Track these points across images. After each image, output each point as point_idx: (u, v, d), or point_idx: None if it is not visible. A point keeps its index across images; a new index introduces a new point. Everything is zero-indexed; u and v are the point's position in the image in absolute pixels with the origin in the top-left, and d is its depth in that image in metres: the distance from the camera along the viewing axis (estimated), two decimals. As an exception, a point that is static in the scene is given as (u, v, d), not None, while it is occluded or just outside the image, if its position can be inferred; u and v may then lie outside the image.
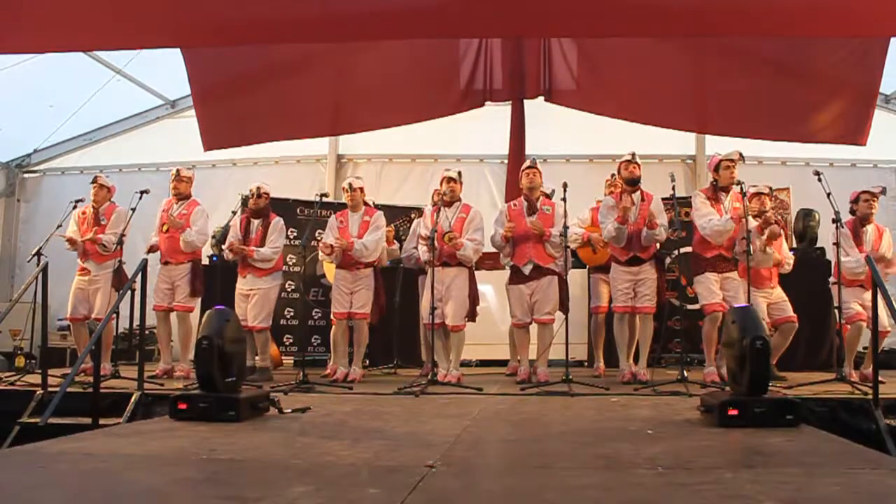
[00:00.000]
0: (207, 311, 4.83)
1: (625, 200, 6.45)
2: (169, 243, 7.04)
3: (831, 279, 6.48)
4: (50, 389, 5.51)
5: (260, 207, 7.03)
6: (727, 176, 6.34)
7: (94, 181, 7.23)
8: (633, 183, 6.60)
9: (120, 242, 6.77)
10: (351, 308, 6.84)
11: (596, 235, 7.04)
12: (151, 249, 7.05)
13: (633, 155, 6.67)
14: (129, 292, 5.88)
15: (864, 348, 6.82)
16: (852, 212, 6.65)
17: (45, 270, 6.17)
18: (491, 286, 8.34)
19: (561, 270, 6.60)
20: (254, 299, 6.89)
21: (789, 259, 6.79)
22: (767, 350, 4.18)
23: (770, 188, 6.77)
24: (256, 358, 6.99)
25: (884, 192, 6.69)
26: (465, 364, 7.47)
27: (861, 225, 6.59)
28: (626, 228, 6.42)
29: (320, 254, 7.06)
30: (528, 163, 6.85)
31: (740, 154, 6.43)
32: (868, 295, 6.07)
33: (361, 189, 7.08)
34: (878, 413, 4.71)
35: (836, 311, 6.42)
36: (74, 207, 7.18)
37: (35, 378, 6.06)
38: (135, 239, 7.30)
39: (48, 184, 10.67)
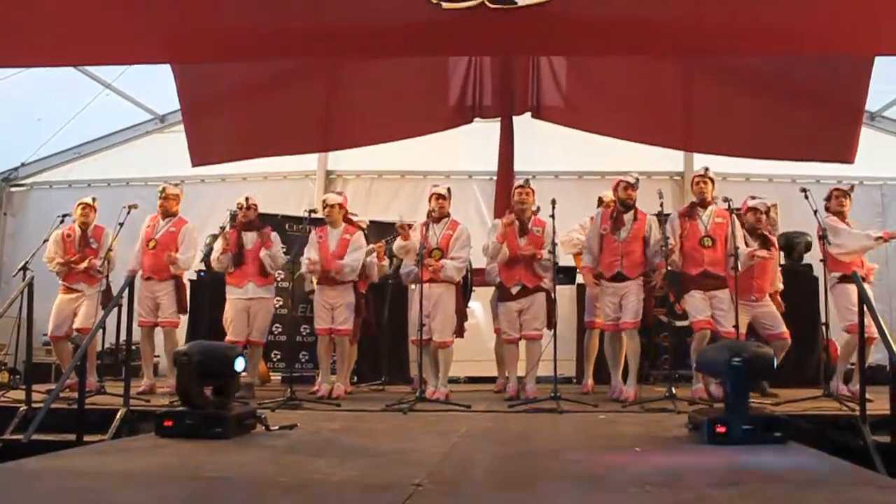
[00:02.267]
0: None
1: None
2: (153, 260, 7.00)
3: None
4: (34, 405, 5.46)
5: (250, 219, 7.02)
6: (697, 191, 6.53)
7: (90, 203, 7.14)
8: (628, 206, 6.64)
9: (106, 258, 6.73)
10: (332, 324, 6.83)
11: None
12: (132, 272, 6.96)
13: (638, 180, 6.70)
14: (115, 307, 5.85)
15: (852, 364, 6.85)
16: (827, 208, 6.67)
17: (30, 285, 6.13)
18: (479, 303, 8.32)
19: (548, 287, 6.60)
20: (258, 312, 6.92)
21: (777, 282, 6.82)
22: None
23: (767, 206, 6.82)
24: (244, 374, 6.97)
25: (851, 189, 6.72)
26: (453, 381, 7.43)
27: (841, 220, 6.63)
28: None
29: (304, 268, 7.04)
30: (519, 182, 6.86)
31: (706, 168, 6.59)
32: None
33: (340, 205, 7.06)
34: (866, 429, 4.72)
35: (823, 327, 6.45)
36: (62, 222, 7.11)
37: (19, 394, 6.02)
38: (122, 253, 7.25)
39: (35, 198, 10.59)
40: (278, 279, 8.15)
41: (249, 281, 6.91)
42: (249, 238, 6.98)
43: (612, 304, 6.57)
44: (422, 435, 4.62)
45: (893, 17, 5.19)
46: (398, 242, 6.73)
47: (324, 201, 7.08)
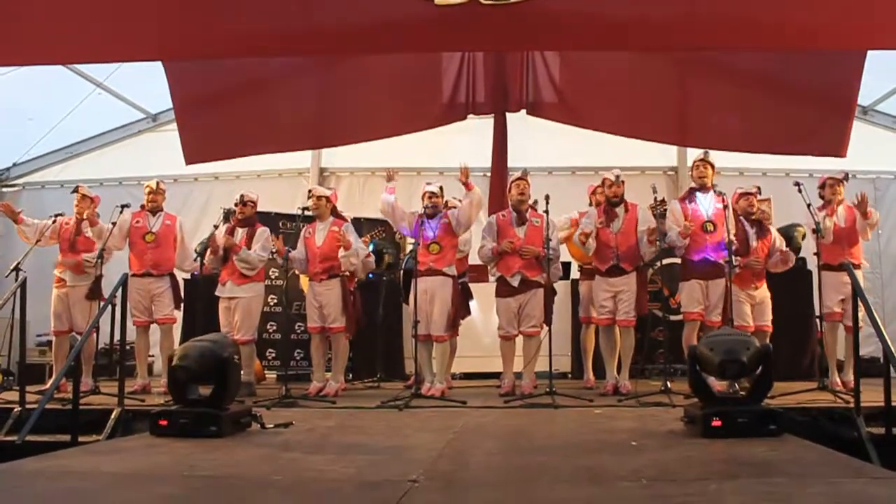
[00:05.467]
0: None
1: (586, 227, 6.56)
2: (154, 255, 6.99)
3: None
4: (28, 406, 5.44)
5: (246, 216, 6.99)
6: (698, 175, 6.56)
7: (76, 191, 7.16)
8: (615, 203, 6.67)
9: (100, 257, 6.70)
10: (325, 322, 6.80)
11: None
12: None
13: (618, 177, 6.72)
14: (109, 307, 5.83)
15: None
16: (821, 196, 6.74)
17: (23, 286, 6.10)
18: (475, 299, 8.32)
19: (546, 282, 6.58)
20: (236, 311, 6.83)
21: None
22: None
23: (759, 188, 6.86)
24: (241, 372, 6.94)
25: (846, 177, 6.78)
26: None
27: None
28: (592, 245, 6.55)
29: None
30: (518, 174, 6.85)
31: (706, 152, 6.64)
32: (848, 289, 6.06)
33: (327, 198, 7.02)
34: (860, 421, 4.75)
35: (817, 320, 6.46)
36: (54, 222, 7.10)
37: (13, 395, 5.97)
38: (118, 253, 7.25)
39: (27, 198, 10.53)
40: (272, 277, 8.15)
41: (228, 279, 6.88)
42: (239, 235, 6.95)
43: (607, 298, 6.58)
44: (417, 432, 4.61)
45: (886, 12, 5.20)
46: (384, 196, 6.72)
47: (310, 192, 7.02)
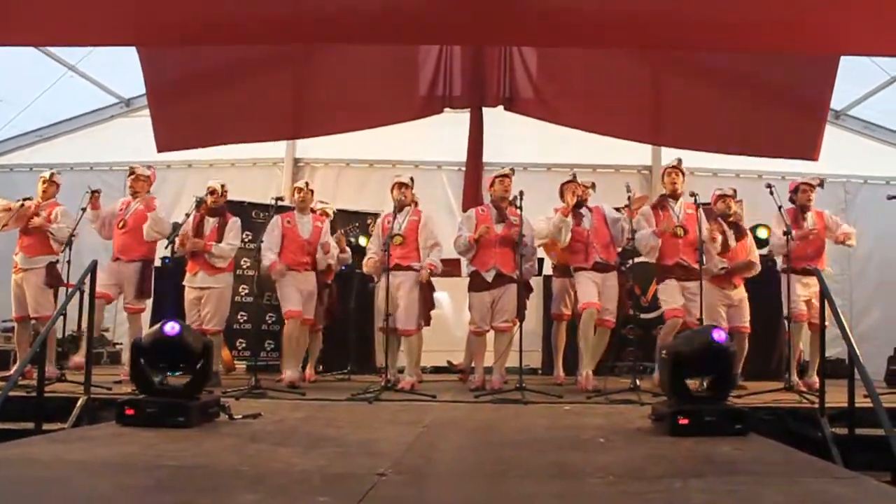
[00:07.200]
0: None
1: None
2: (123, 240, 6.91)
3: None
4: (-9, 393, 5.35)
5: (218, 206, 6.93)
6: (669, 182, 6.64)
7: (50, 178, 7.06)
8: (579, 206, 6.75)
9: (69, 244, 6.61)
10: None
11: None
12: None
13: (575, 176, 6.84)
14: (77, 293, 5.75)
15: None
16: (792, 201, 6.83)
17: (-13, 271, 6.01)
18: (446, 293, 8.33)
19: (520, 278, 6.58)
20: (207, 301, 6.77)
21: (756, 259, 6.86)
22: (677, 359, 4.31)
23: (735, 190, 6.93)
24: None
25: (821, 184, 6.87)
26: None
27: (801, 212, 6.77)
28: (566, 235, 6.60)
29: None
30: (505, 171, 6.83)
31: (679, 160, 6.68)
32: (814, 290, 6.22)
33: (313, 192, 7.08)
34: (824, 421, 4.81)
35: (785, 321, 6.54)
36: (22, 206, 6.98)
37: (-24, 382, 5.87)
38: (87, 238, 7.15)
39: None
40: (243, 266, 8.10)
41: (200, 269, 6.82)
42: (209, 225, 6.89)
43: (594, 286, 6.59)
44: (387, 425, 4.61)
45: (859, 18, 5.26)
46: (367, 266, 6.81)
47: (305, 185, 7.04)
